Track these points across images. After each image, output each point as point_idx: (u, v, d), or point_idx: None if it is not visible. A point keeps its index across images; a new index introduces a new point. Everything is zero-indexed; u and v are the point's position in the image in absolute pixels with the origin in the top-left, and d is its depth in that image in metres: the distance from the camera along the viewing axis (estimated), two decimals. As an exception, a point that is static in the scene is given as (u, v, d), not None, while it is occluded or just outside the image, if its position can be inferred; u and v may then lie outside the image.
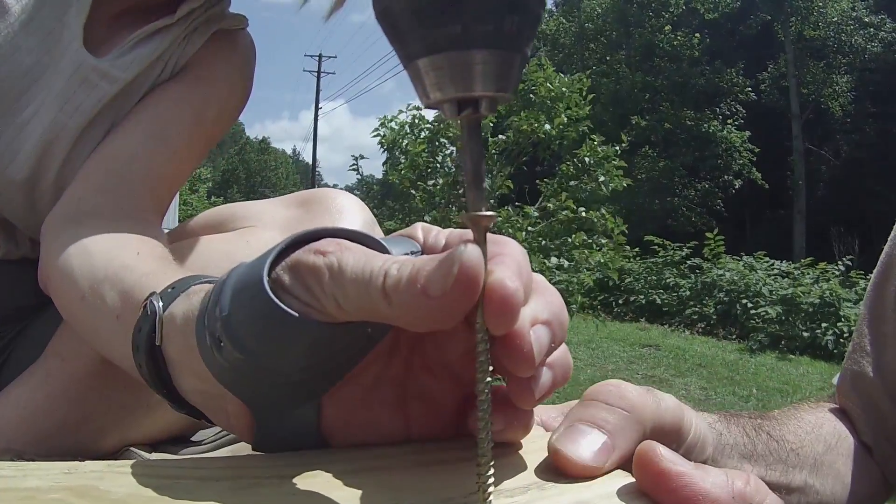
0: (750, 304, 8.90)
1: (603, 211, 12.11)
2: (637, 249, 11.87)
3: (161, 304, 0.54)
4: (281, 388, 0.43)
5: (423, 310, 0.36)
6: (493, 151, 12.72)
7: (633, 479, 0.40)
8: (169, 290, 0.56)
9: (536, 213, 12.13)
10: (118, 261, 0.73)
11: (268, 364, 0.42)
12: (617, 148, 12.48)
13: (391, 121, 13.98)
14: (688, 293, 9.91)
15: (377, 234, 0.46)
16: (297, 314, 0.40)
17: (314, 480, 0.40)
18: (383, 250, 0.43)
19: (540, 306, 0.40)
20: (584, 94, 13.18)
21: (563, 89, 12.95)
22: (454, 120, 0.36)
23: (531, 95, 12.92)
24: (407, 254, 0.45)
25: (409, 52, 0.35)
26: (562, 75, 13.37)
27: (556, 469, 0.42)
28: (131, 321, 0.57)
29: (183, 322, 0.50)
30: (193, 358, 0.46)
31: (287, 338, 0.41)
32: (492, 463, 0.37)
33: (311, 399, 0.45)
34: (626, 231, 12.07)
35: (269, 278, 0.42)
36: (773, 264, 10.17)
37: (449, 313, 0.37)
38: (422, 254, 0.46)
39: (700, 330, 9.37)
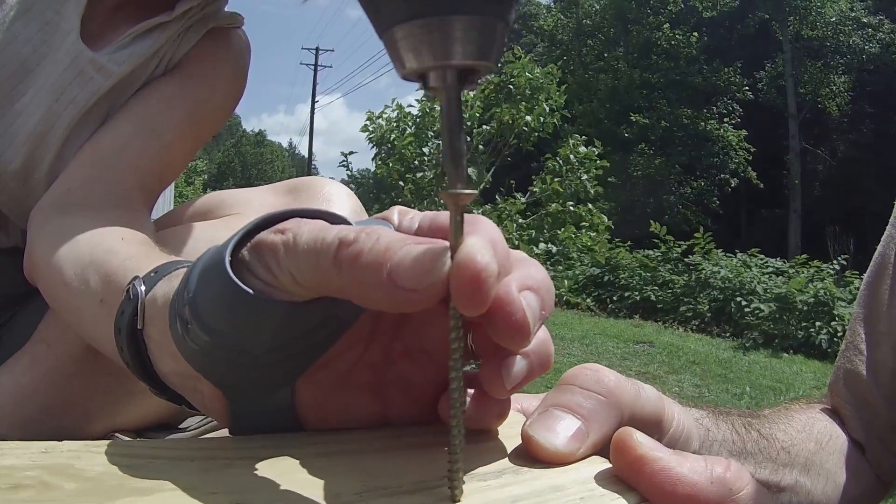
0: (744, 302, 8.91)
1: (591, 206, 12.29)
2: (630, 243, 11.92)
3: (143, 287, 0.54)
4: (252, 371, 0.43)
5: (385, 293, 0.36)
6: (478, 143, 12.85)
7: (610, 465, 0.40)
8: (152, 274, 0.56)
9: (524, 200, 12.27)
10: (103, 246, 0.73)
11: (234, 345, 0.41)
12: (595, 150, 12.70)
13: (378, 117, 14.09)
14: (682, 290, 9.90)
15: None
16: (251, 291, 0.39)
17: (285, 462, 0.40)
18: None
19: (522, 275, 0.39)
20: (558, 84, 13.38)
21: (541, 81, 13.14)
22: (432, 92, 0.34)
23: (510, 87, 13.06)
24: None
25: (384, 20, 0.33)
26: (535, 66, 13.57)
27: (531, 455, 0.41)
28: (114, 304, 0.58)
29: (163, 305, 0.50)
30: (171, 341, 0.46)
31: (249, 318, 0.40)
32: (462, 447, 0.36)
33: (284, 383, 0.45)
34: (612, 227, 12.22)
35: (234, 259, 0.41)
36: (767, 262, 10.18)
37: (415, 304, 0.36)
38: None
39: (694, 327, 9.37)
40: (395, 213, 0.46)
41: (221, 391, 0.45)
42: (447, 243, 0.36)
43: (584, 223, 12.35)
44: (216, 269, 0.41)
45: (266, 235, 0.41)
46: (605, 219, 12.44)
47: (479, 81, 0.35)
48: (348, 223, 0.43)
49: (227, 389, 0.45)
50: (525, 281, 0.38)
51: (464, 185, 0.35)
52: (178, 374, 0.48)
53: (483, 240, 0.36)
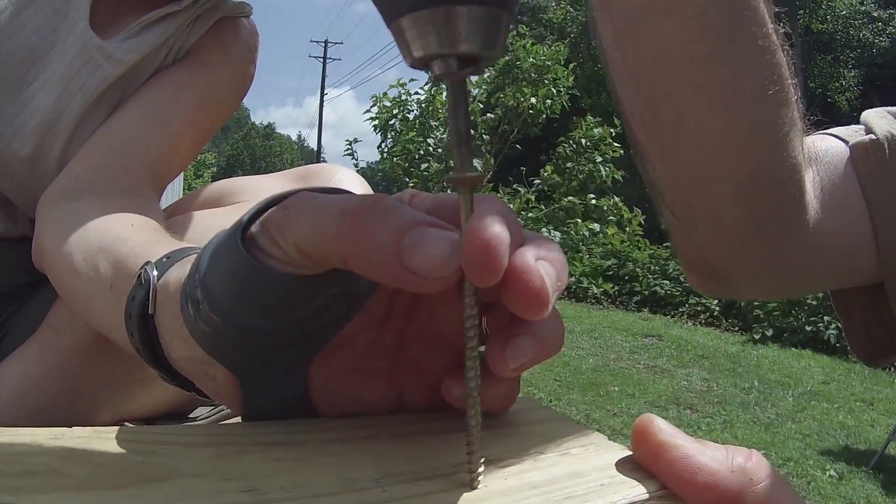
0: (752, 297, 8.92)
1: (616, 200, 12.11)
2: (647, 241, 11.89)
3: (156, 272, 0.54)
4: (264, 353, 0.43)
5: (395, 275, 0.35)
6: (483, 132, 12.79)
7: (631, 453, 0.39)
8: (164, 260, 0.56)
9: (532, 195, 12.20)
10: (112, 233, 0.73)
11: (245, 324, 0.41)
12: (612, 130, 12.53)
13: (382, 98, 14.06)
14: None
15: None
16: (257, 262, 0.39)
17: (300, 448, 0.40)
18: None
19: (536, 246, 0.38)
20: (565, 63, 13.30)
21: (548, 62, 13.07)
22: (438, 80, 0.35)
23: (515, 69, 13.01)
24: None
25: (392, 10, 0.34)
26: (541, 47, 13.50)
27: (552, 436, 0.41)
28: (125, 290, 0.57)
29: (175, 290, 0.49)
30: (183, 325, 0.46)
31: (259, 292, 0.40)
32: (480, 433, 0.36)
33: (297, 366, 0.44)
34: (643, 222, 12.04)
35: (244, 237, 0.41)
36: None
37: (423, 289, 0.35)
38: None
39: (703, 321, 9.39)
40: (407, 196, 0.45)
41: (234, 375, 0.44)
42: (454, 232, 0.36)
43: (610, 217, 12.15)
44: (227, 246, 0.41)
45: (273, 211, 0.41)
46: (639, 213, 12.20)
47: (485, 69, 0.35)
48: None
49: (239, 373, 0.44)
50: (539, 252, 0.37)
51: (470, 169, 0.35)
52: (189, 359, 0.48)
53: (493, 212, 0.35)
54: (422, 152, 13.50)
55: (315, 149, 49.71)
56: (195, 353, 0.45)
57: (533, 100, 12.90)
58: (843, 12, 24.40)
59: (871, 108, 0.86)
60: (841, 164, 0.80)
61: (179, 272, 0.51)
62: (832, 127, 0.87)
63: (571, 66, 13.60)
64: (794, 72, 0.74)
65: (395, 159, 13.64)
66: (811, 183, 0.77)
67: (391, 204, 0.37)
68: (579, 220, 12.03)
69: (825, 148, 0.81)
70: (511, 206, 12.28)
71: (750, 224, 0.75)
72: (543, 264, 0.36)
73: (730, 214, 0.74)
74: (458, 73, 0.34)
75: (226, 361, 0.44)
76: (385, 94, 14.46)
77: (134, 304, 0.54)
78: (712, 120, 0.69)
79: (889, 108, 0.85)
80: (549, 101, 13.07)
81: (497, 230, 0.34)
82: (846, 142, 0.81)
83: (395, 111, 14.17)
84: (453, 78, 0.35)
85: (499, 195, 12.59)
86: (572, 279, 10.69)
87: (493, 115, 13.20)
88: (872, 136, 0.80)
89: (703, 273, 0.82)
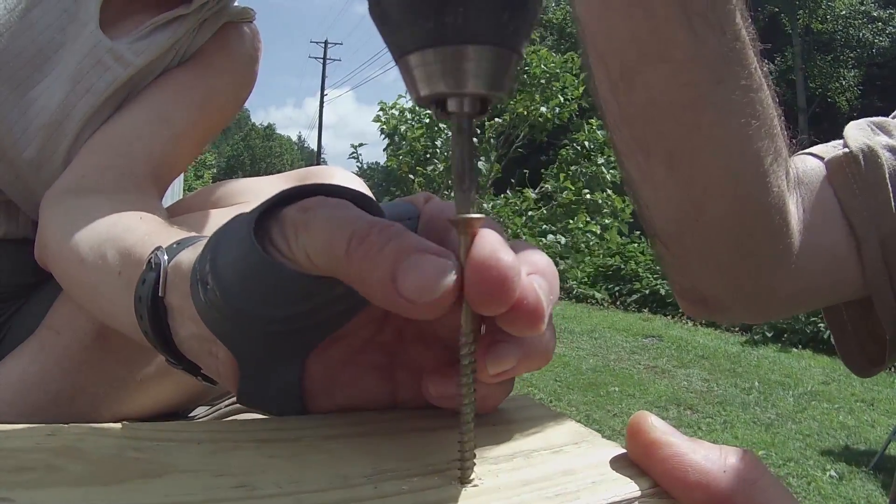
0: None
1: (609, 192, 12.16)
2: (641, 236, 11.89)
3: (167, 257, 0.55)
4: (265, 339, 0.43)
5: (388, 298, 0.35)
6: (490, 136, 12.77)
7: (624, 451, 0.39)
8: (174, 246, 0.56)
9: (536, 196, 12.20)
10: (121, 224, 0.74)
11: (249, 310, 0.42)
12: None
13: (392, 107, 14.09)
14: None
15: None
16: (268, 255, 0.40)
17: (293, 445, 0.40)
18: (379, 212, 0.42)
19: (526, 260, 0.38)
20: (577, 73, 13.30)
21: (557, 70, 13.07)
22: (444, 119, 0.35)
23: (524, 76, 12.99)
24: (405, 220, 0.45)
25: (400, 47, 0.34)
26: (555, 55, 13.49)
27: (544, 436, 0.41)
28: (134, 276, 0.58)
29: (186, 270, 0.50)
30: (192, 304, 0.46)
31: (267, 285, 0.40)
32: (473, 430, 0.36)
33: (295, 355, 0.45)
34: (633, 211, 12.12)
35: (258, 227, 0.42)
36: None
37: (414, 315, 0.35)
38: (418, 219, 0.46)
39: (703, 322, 9.38)
40: (422, 198, 0.46)
41: (235, 357, 0.45)
42: (453, 260, 0.36)
43: (605, 210, 12.23)
44: (239, 234, 0.42)
45: (289, 210, 0.41)
46: (629, 202, 12.30)
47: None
48: (372, 200, 0.43)
49: (239, 355, 0.45)
50: (529, 266, 0.37)
51: (472, 210, 0.35)
52: (196, 337, 0.48)
53: (496, 241, 0.35)
54: (428, 155, 13.51)
55: (315, 150, 49.68)
56: (202, 331, 0.46)
57: (543, 108, 12.90)
58: (843, 12, 24.41)
59: (872, 107, 0.87)
60: (819, 182, 0.81)
61: (191, 254, 0.52)
62: (830, 130, 0.88)
63: (583, 76, 13.63)
64: (779, 102, 0.75)
65: (401, 157, 13.66)
66: (795, 206, 0.78)
67: (398, 230, 0.37)
68: (582, 221, 12.05)
69: (804, 170, 0.82)
70: (517, 207, 12.30)
71: (738, 255, 0.76)
72: (536, 278, 0.36)
73: (719, 246, 0.76)
74: (465, 114, 0.34)
75: (228, 342, 0.45)
76: (395, 103, 14.48)
77: (144, 287, 0.55)
78: (701, 158, 0.71)
79: (872, 119, 0.86)
80: (556, 109, 13.08)
81: (511, 259, 0.34)
82: (822, 159, 0.82)
83: (405, 118, 14.20)
84: (459, 118, 0.35)
85: (508, 197, 12.55)
86: (573, 283, 10.68)
87: (500, 121, 13.19)
88: (847, 150, 0.81)
89: (695, 300, 0.84)
